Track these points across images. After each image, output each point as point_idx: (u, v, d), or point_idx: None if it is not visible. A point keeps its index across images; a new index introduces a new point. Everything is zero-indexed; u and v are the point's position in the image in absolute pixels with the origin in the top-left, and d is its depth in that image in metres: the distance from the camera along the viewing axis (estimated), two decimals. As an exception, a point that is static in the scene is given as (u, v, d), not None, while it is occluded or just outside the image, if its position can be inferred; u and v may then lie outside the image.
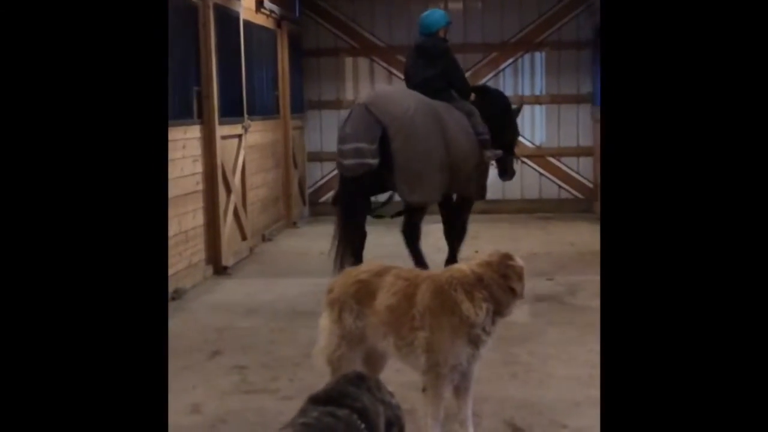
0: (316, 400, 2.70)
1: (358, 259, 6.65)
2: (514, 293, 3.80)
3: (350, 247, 6.74)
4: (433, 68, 7.35)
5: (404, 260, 8.32)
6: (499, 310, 3.81)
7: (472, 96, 7.83)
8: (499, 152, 7.62)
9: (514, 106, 8.24)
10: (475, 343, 3.81)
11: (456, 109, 7.30)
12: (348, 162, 6.66)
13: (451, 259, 7.55)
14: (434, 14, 7.65)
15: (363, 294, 4.08)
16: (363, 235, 6.86)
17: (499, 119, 7.69)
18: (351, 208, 6.81)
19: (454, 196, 7.69)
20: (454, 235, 7.70)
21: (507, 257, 3.88)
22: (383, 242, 10.24)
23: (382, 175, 6.70)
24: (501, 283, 3.78)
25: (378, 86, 7.11)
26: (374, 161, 6.60)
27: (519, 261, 3.88)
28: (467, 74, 12.36)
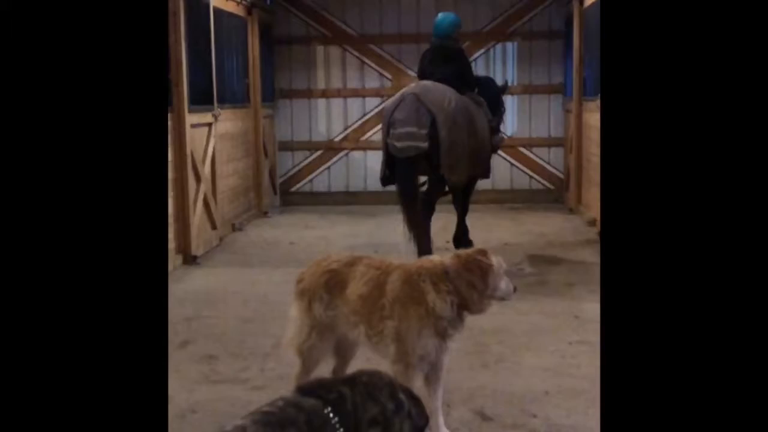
0: (299, 389, 2.65)
1: (424, 229, 7.72)
2: (475, 289, 3.79)
3: (415, 220, 7.63)
4: (450, 66, 8.18)
5: (377, 250, 8.32)
6: (464, 305, 3.79)
7: None
8: (503, 137, 8.88)
9: (500, 85, 9.18)
10: (441, 335, 3.80)
11: (473, 101, 8.23)
12: (401, 144, 7.46)
13: (461, 230, 8.67)
14: (448, 18, 8.44)
15: (334, 284, 4.07)
16: (423, 210, 7.79)
17: (492, 103, 8.66)
18: (407, 188, 7.66)
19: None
20: (465, 207, 8.77)
21: (479, 253, 3.88)
22: (357, 232, 10.25)
23: (429, 156, 7.49)
24: (465, 278, 3.77)
25: (421, 81, 7.84)
26: (425, 144, 7.42)
27: (490, 259, 3.85)
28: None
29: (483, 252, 3.89)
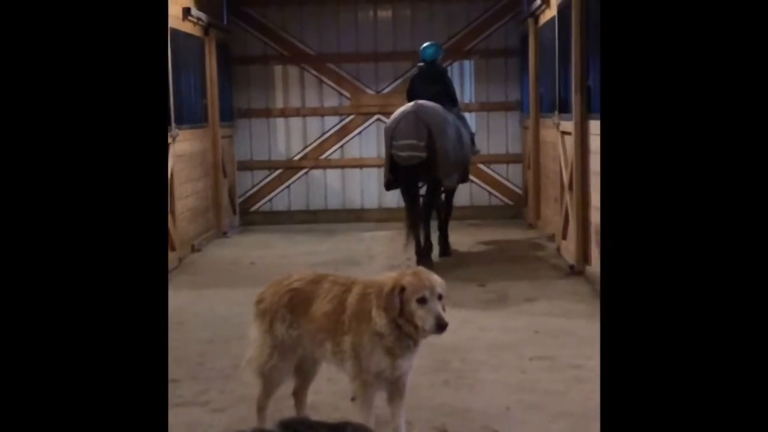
0: (282, 424, 2.59)
1: (420, 227, 8.85)
2: (386, 311, 3.71)
3: (414, 219, 8.83)
4: (437, 86, 9.59)
5: (339, 267, 8.31)
6: (399, 325, 3.73)
7: None
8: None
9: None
10: (389, 352, 3.77)
11: (457, 116, 9.65)
12: (404, 154, 8.64)
13: (443, 232, 9.71)
14: (433, 47, 9.90)
15: (297, 302, 4.05)
16: (424, 211, 9.04)
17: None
18: (410, 190, 8.97)
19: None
20: (449, 212, 9.96)
21: (409, 273, 3.80)
22: (317, 250, 10.23)
23: (427, 164, 8.61)
24: (382, 296, 3.75)
25: (418, 100, 8.96)
26: (423, 154, 8.55)
27: (416, 278, 3.73)
28: (397, 82, 12.58)
29: (416, 273, 3.80)
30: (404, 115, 8.76)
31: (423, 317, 3.66)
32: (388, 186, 9.22)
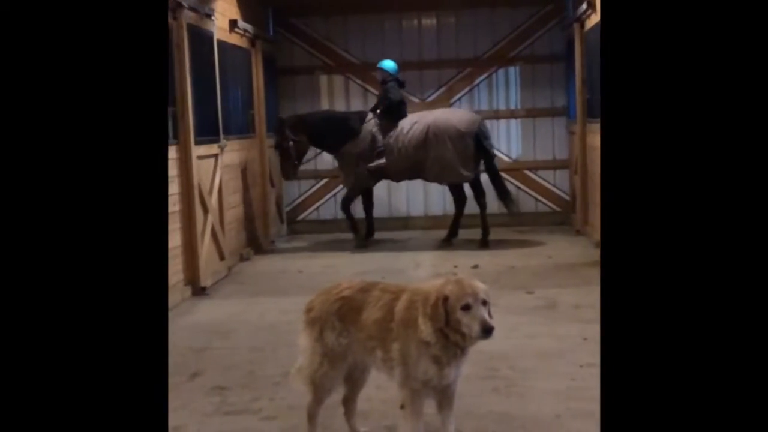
0: None
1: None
2: (433, 319, 3.70)
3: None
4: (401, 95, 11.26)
5: (385, 276, 8.33)
6: (445, 333, 3.72)
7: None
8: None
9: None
10: (436, 361, 3.76)
11: None
12: (493, 151, 11.04)
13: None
14: (392, 62, 11.27)
15: (346, 311, 4.06)
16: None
17: None
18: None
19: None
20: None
21: (451, 282, 3.76)
22: (364, 259, 10.26)
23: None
24: (427, 305, 3.74)
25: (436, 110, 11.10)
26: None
27: (447, 289, 3.70)
28: (442, 90, 12.62)
29: (458, 281, 3.76)
30: (479, 118, 10.90)
31: (468, 324, 3.65)
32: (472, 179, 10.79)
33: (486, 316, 3.65)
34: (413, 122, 10.79)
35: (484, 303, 3.69)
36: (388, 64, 11.18)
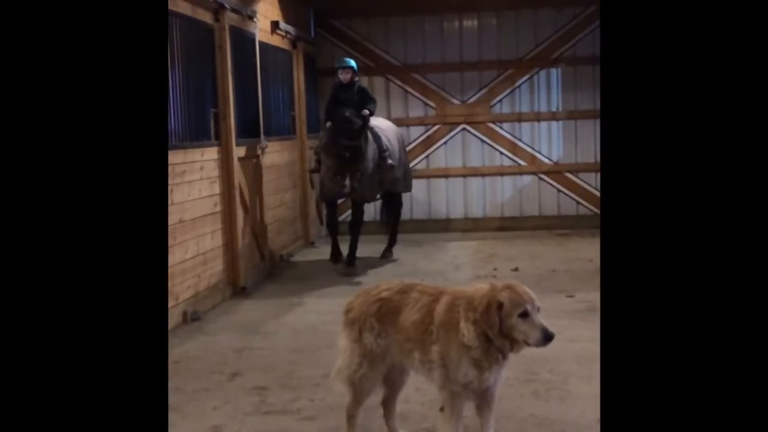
0: None
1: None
2: (486, 324, 3.65)
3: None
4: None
5: (425, 278, 8.32)
6: (488, 338, 3.69)
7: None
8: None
9: None
10: (477, 365, 3.74)
11: None
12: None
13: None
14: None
15: (385, 312, 4.06)
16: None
17: None
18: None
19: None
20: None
21: (505, 288, 3.74)
22: (402, 260, 10.26)
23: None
24: (478, 311, 3.70)
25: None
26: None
27: (502, 296, 3.66)
28: (483, 91, 12.58)
29: (511, 287, 3.73)
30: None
31: (526, 331, 3.62)
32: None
33: (544, 323, 3.64)
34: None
35: (538, 309, 3.67)
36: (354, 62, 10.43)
